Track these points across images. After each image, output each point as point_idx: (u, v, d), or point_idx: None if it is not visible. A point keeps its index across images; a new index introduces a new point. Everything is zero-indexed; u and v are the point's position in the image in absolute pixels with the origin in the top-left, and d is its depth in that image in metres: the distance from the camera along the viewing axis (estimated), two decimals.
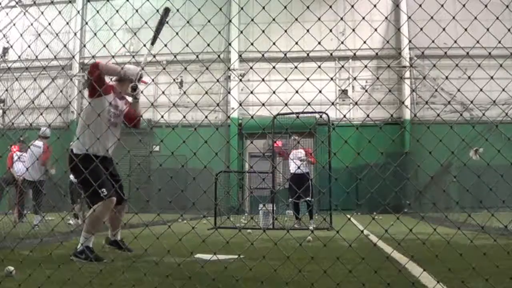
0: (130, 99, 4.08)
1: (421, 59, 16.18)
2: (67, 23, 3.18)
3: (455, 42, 2.54)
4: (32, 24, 3.00)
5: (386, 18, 3.56)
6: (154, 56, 2.86)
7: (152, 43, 3.88)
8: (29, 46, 3.07)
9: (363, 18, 2.68)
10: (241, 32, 3.32)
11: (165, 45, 2.72)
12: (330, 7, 2.51)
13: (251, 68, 2.74)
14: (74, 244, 3.92)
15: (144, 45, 2.77)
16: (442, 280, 2.41)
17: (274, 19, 2.47)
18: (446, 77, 2.71)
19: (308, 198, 8.29)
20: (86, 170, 3.10)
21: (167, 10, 3.94)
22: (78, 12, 17.17)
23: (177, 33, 2.75)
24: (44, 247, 4.22)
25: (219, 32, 2.67)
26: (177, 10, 2.76)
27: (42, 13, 2.83)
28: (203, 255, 3.68)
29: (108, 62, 3.72)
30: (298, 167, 8.08)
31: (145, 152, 15.94)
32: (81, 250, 3.55)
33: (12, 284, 2.50)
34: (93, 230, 3.67)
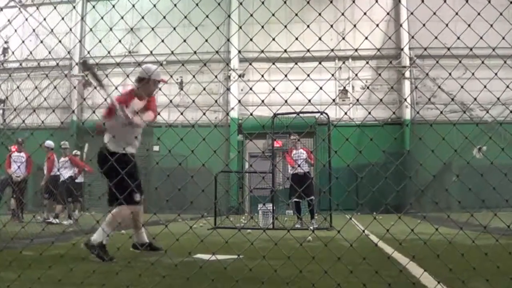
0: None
1: (421, 59, 16.18)
2: (70, 29, 3.18)
3: (455, 41, 2.53)
4: (34, 30, 2.99)
5: (387, 13, 3.54)
6: (155, 57, 2.85)
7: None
8: (30, 53, 3.07)
9: (365, 13, 2.66)
10: (240, 27, 3.33)
11: (166, 45, 2.71)
12: (331, 2, 2.49)
13: (250, 64, 2.74)
14: (70, 244, 3.90)
15: (145, 46, 2.76)
16: (443, 280, 2.39)
17: (273, 14, 2.46)
18: (447, 77, 2.69)
19: (311, 197, 8.29)
20: (124, 169, 3.01)
21: (84, 63, 4.02)
22: (82, 17, 17.16)
23: (177, 33, 2.74)
24: (42, 247, 4.20)
25: (218, 28, 2.65)
26: (179, 11, 2.74)
27: (44, 19, 2.82)
28: (203, 255, 3.66)
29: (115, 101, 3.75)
30: (298, 166, 8.06)
31: (145, 152, 15.93)
32: (94, 245, 3.58)
33: (6, 284, 2.48)
34: (111, 228, 3.70)
